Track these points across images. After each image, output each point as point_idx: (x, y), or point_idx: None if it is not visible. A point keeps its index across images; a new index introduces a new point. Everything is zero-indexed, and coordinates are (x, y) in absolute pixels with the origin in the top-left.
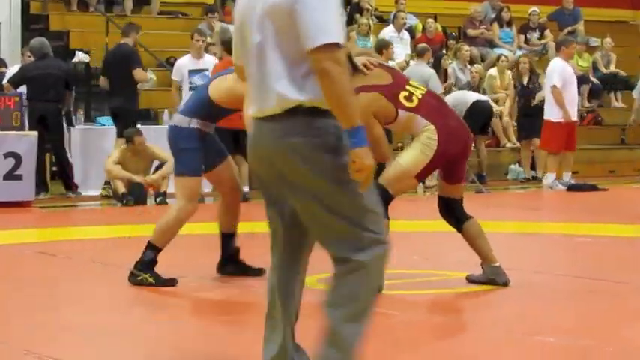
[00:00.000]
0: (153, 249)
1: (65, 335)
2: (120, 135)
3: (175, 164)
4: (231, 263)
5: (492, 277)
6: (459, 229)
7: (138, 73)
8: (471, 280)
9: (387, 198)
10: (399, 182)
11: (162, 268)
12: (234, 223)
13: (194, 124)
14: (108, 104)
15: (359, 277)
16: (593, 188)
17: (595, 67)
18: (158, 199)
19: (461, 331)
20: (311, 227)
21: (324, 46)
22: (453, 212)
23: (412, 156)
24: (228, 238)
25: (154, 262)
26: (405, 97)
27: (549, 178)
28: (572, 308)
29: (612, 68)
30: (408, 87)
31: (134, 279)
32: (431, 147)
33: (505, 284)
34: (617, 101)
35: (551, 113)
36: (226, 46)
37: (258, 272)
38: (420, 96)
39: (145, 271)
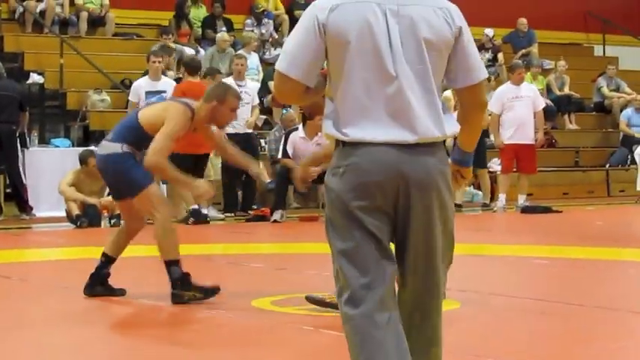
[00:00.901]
0: (174, 264)
1: (16, 357)
2: None
3: (128, 186)
4: (100, 285)
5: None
6: None
7: None
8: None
9: None
10: None
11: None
12: (122, 250)
13: (125, 148)
14: None
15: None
16: (548, 210)
17: (549, 90)
18: (112, 221)
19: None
20: (420, 261)
21: (483, 80)
22: None
23: None
24: (111, 262)
25: (187, 275)
26: None
27: (501, 200)
28: (525, 330)
29: (566, 90)
30: None
31: (180, 299)
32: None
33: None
34: (571, 123)
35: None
36: (189, 67)
37: (122, 292)
38: None
39: (188, 288)
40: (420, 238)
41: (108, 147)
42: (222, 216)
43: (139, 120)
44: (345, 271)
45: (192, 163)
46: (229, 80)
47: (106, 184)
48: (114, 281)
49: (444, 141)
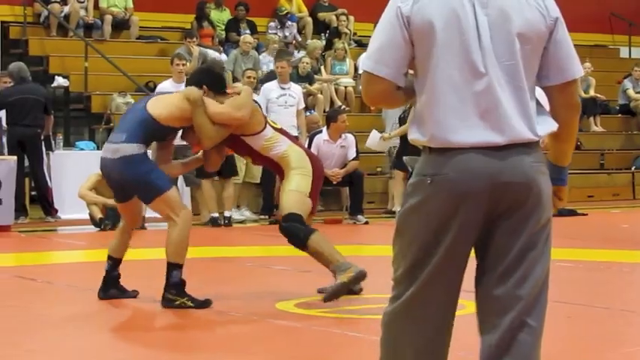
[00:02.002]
0: (177, 268)
1: (40, 356)
2: None
3: (146, 190)
4: (113, 288)
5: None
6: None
7: None
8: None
9: (300, 219)
10: (301, 205)
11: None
12: (126, 250)
13: (142, 148)
14: None
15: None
16: (572, 213)
17: None
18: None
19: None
20: (513, 271)
21: (578, 79)
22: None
23: (300, 179)
24: (118, 264)
25: (184, 282)
26: (272, 121)
27: None
28: (551, 334)
29: (592, 92)
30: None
31: (170, 304)
32: (307, 166)
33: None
34: (596, 125)
35: None
36: None
37: (134, 294)
38: (279, 127)
39: (182, 295)
40: (512, 246)
41: (124, 149)
42: (255, 217)
43: (151, 113)
44: (406, 285)
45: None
46: (273, 84)
47: (112, 186)
48: (132, 283)
49: (539, 142)
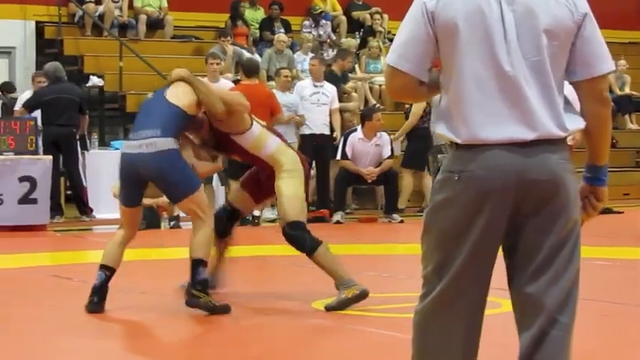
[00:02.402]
0: (203, 265)
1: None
2: None
3: (180, 187)
4: (102, 300)
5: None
6: (221, 237)
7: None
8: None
9: (304, 227)
10: (303, 209)
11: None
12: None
13: (177, 144)
14: None
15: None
16: (608, 211)
17: (610, 89)
18: (172, 223)
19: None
20: (545, 269)
21: (607, 74)
22: (230, 221)
23: (295, 183)
24: (112, 275)
25: (207, 280)
26: (258, 118)
27: None
28: (587, 332)
29: (627, 90)
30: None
31: (196, 301)
32: (299, 168)
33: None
34: (631, 123)
35: None
36: (245, 68)
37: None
38: (264, 123)
39: (207, 293)
40: (542, 244)
41: (161, 143)
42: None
43: (178, 105)
44: (435, 283)
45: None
46: (306, 82)
47: (134, 184)
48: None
49: (566, 139)
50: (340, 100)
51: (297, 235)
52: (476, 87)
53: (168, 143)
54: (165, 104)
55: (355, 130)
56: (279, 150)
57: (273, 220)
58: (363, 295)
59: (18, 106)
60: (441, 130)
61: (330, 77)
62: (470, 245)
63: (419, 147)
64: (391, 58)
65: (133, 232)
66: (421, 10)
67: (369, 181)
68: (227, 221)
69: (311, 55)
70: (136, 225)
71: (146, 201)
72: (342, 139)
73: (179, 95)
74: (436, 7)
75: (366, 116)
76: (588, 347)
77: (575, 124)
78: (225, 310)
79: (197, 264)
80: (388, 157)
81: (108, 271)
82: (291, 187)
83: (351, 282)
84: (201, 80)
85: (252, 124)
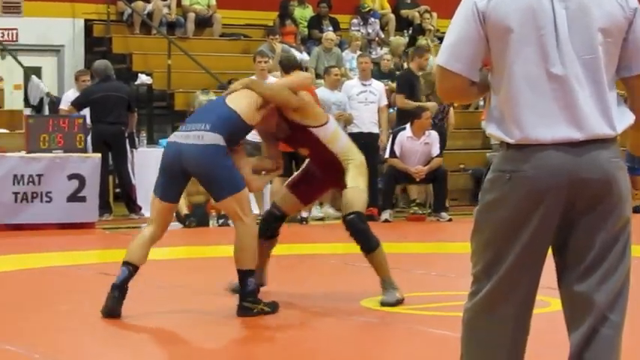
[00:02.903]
0: (251, 275)
1: (124, 356)
2: None
3: (224, 185)
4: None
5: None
6: (267, 239)
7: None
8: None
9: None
10: (365, 203)
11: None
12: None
13: (224, 142)
14: None
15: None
16: None
17: None
18: (220, 221)
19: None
20: (595, 268)
21: None
22: (276, 224)
23: (363, 180)
24: (135, 272)
25: (258, 288)
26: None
27: None
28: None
29: None
30: None
31: (249, 312)
32: (365, 165)
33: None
34: None
35: None
36: (282, 65)
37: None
38: None
39: (257, 301)
40: (594, 242)
41: (211, 137)
42: (338, 214)
43: (235, 109)
44: (485, 281)
45: (289, 160)
46: (353, 81)
47: (175, 176)
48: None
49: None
50: (389, 100)
51: (365, 230)
52: (527, 87)
53: (216, 139)
54: (223, 107)
55: (404, 128)
56: (350, 147)
57: (321, 219)
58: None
59: (63, 105)
60: (492, 130)
61: (408, 76)
62: (521, 244)
63: None
64: (441, 58)
65: (162, 231)
66: (472, 9)
67: (417, 179)
68: (274, 223)
69: (359, 53)
70: (165, 224)
71: (197, 198)
72: (391, 138)
73: (239, 100)
74: (487, 7)
75: (415, 115)
76: (633, 347)
77: (626, 121)
78: (274, 308)
79: (245, 275)
80: (437, 156)
81: (132, 267)
82: (361, 182)
83: (396, 285)
84: (265, 84)
85: (329, 119)
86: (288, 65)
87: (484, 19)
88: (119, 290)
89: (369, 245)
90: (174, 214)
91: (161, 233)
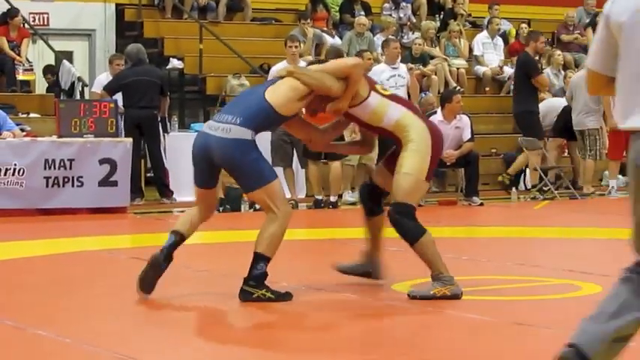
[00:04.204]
0: (264, 260)
1: (157, 340)
2: None
3: (251, 178)
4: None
5: (369, 271)
6: (370, 216)
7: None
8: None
9: (413, 212)
10: (417, 191)
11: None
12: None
13: (254, 136)
14: None
15: None
16: None
17: None
18: (255, 206)
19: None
20: None
21: None
22: (374, 199)
23: (414, 161)
24: (181, 242)
25: (266, 275)
26: (381, 88)
27: (613, 187)
28: None
29: None
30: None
31: (249, 296)
32: (427, 143)
33: (377, 278)
34: None
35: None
36: (328, 55)
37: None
38: (390, 93)
39: (260, 287)
40: None
41: (238, 131)
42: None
43: (271, 102)
44: None
45: (291, 148)
46: (382, 65)
47: (205, 167)
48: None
49: None
50: (420, 84)
51: (399, 221)
52: (635, 84)
53: (244, 133)
54: (259, 97)
55: (435, 112)
56: (403, 119)
57: (353, 204)
58: (454, 297)
59: (95, 88)
60: (616, 117)
61: (531, 58)
62: None
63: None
64: (587, 60)
65: (207, 213)
66: (603, 13)
67: (448, 163)
68: (370, 198)
69: (393, 38)
70: (210, 207)
71: (230, 179)
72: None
73: (277, 92)
74: (610, 9)
75: (446, 98)
76: None
77: None
78: (279, 296)
79: (257, 258)
80: (468, 140)
81: (178, 235)
82: (409, 163)
83: (449, 280)
84: (310, 72)
85: (369, 95)
86: (336, 56)
87: (609, 21)
88: (165, 254)
89: (407, 238)
90: None
91: (206, 214)
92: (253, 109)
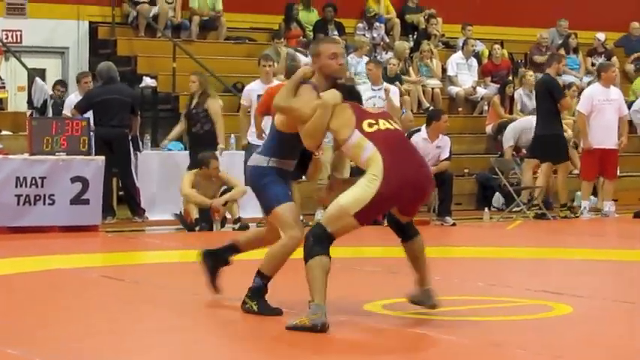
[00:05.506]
0: (261, 277)
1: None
2: None
3: (263, 202)
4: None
5: (421, 299)
6: (403, 242)
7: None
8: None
9: (325, 236)
10: (337, 221)
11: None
12: (249, 249)
13: (272, 162)
14: None
15: None
16: None
17: None
18: (237, 225)
19: (521, 357)
20: None
21: None
22: (398, 227)
23: (352, 194)
24: (235, 250)
25: (263, 289)
26: (368, 124)
27: (585, 207)
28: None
29: None
30: (381, 120)
31: (244, 306)
32: (373, 184)
33: (432, 306)
34: None
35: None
36: (287, 71)
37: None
38: (383, 128)
39: (253, 298)
40: None
41: (255, 159)
42: None
43: (275, 123)
44: None
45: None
46: (365, 86)
47: None
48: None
49: None
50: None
51: (306, 239)
52: None
53: (259, 160)
54: (272, 123)
55: (419, 129)
56: (370, 158)
57: None
58: (312, 329)
59: (66, 110)
60: None
61: (553, 80)
62: None
63: None
64: None
65: (269, 234)
66: None
67: None
68: (397, 225)
69: (365, 58)
70: (271, 228)
71: (208, 201)
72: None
73: (278, 115)
74: None
75: (433, 117)
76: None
77: None
78: (265, 310)
79: (257, 273)
80: (445, 159)
81: (232, 245)
82: (348, 195)
83: (315, 309)
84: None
85: (352, 134)
86: (293, 72)
87: None
88: (217, 251)
89: (304, 256)
90: (179, 220)
91: (269, 234)
92: (269, 136)
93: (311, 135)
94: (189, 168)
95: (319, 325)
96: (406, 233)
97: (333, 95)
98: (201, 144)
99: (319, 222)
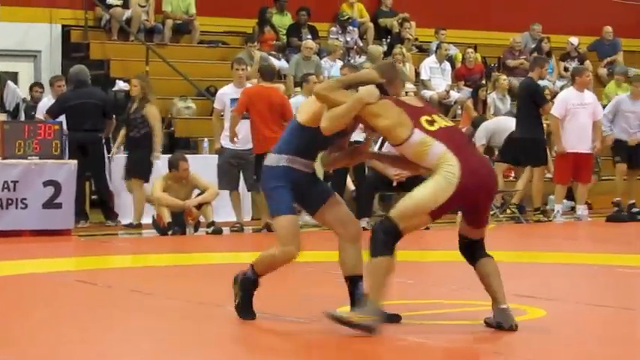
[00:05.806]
0: (253, 271)
1: None
2: None
3: (269, 205)
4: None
5: (499, 321)
6: (473, 265)
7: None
8: (486, 322)
9: (395, 233)
10: (411, 218)
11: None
12: (355, 263)
13: (286, 161)
14: None
15: None
16: (633, 218)
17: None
18: (211, 229)
19: None
20: None
21: None
22: (469, 249)
23: (429, 192)
24: (352, 282)
25: (252, 281)
26: (427, 121)
27: (558, 210)
28: (610, 338)
29: None
30: (434, 115)
31: (233, 287)
32: (451, 182)
33: (511, 328)
34: None
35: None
36: (262, 72)
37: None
38: (443, 125)
39: (241, 288)
40: None
41: (269, 158)
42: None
43: (296, 116)
44: None
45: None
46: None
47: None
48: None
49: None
50: None
51: (375, 232)
52: None
53: (272, 160)
54: (294, 120)
55: None
56: (441, 158)
57: (315, 226)
58: (365, 329)
59: (39, 113)
60: None
61: (536, 84)
62: None
63: None
64: None
65: (340, 229)
66: None
67: (395, 182)
68: (465, 248)
69: (339, 62)
70: (334, 224)
71: (180, 203)
72: (380, 142)
73: (302, 106)
74: None
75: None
76: (612, 356)
77: None
78: (248, 315)
79: (251, 266)
80: None
81: (348, 280)
82: (422, 192)
83: (376, 310)
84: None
85: (411, 133)
86: (266, 73)
87: None
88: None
89: (369, 250)
90: (152, 224)
91: (341, 230)
92: (287, 130)
93: (331, 118)
94: (128, 172)
95: (374, 328)
96: (474, 256)
97: (368, 91)
98: (138, 147)
99: (390, 216)
